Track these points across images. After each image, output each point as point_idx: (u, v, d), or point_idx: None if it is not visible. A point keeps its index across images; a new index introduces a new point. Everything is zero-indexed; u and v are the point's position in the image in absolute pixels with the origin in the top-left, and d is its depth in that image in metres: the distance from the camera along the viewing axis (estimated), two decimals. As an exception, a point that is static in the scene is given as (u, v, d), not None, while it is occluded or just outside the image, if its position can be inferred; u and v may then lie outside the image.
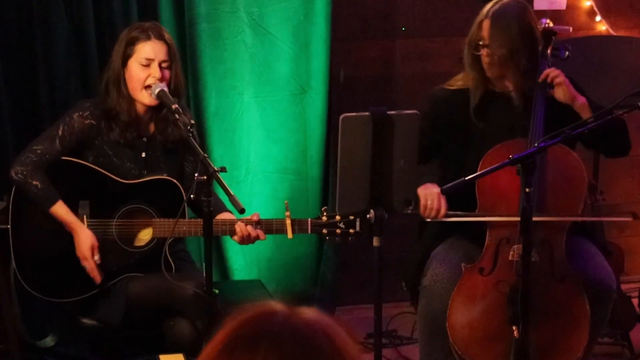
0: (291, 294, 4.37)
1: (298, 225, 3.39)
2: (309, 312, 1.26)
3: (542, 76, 3.41)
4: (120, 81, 3.41)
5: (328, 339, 1.23)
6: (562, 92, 3.41)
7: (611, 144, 3.54)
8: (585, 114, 3.38)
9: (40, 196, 3.35)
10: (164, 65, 3.39)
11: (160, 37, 3.41)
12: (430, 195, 3.35)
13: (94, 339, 3.70)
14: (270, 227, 3.39)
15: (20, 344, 3.67)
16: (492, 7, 3.42)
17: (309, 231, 3.40)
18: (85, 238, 3.36)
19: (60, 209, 3.36)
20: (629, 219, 3.49)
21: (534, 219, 3.06)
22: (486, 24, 3.40)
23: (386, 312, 3.91)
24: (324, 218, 3.39)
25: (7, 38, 3.89)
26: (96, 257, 3.36)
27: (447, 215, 3.37)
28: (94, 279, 3.38)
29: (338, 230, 3.39)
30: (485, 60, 3.43)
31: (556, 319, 3.33)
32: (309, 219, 3.40)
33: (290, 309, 1.25)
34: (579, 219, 3.46)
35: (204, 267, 3.09)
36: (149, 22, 3.54)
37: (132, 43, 3.40)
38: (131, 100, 3.42)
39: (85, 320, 3.48)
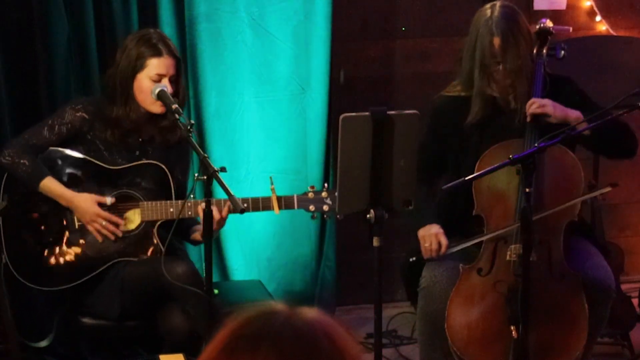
0: (291, 294, 4.38)
1: (285, 201, 3.40)
2: (310, 312, 1.26)
3: (529, 111, 3.38)
4: (128, 92, 3.43)
5: (329, 339, 1.23)
6: (551, 118, 3.39)
7: (614, 146, 3.51)
8: (581, 127, 3.37)
9: (29, 172, 3.38)
10: (172, 79, 3.43)
11: (170, 52, 3.43)
12: (428, 237, 3.40)
13: (93, 339, 3.70)
14: (256, 204, 3.40)
15: (20, 344, 3.67)
16: (493, 21, 3.36)
17: (295, 206, 3.41)
18: (85, 200, 3.39)
19: (51, 183, 3.40)
20: (608, 189, 3.44)
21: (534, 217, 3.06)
22: (497, 41, 3.35)
23: (386, 312, 3.92)
24: (310, 194, 3.42)
25: (7, 38, 3.89)
26: (109, 200, 3.39)
27: (449, 248, 3.40)
28: (116, 225, 3.39)
29: (326, 207, 3.41)
30: (500, 74, 3.39)
31: (555, 318, 3.33)
32: (295, 195, 3.41)
33: (291, 309, 1.26)
34: (567, 204, 3.42)
35: (203, 267, 3.09)
36: (153, 30, 3.53)
37: (142, 57, 3.41)
38: (139, 109, 3.45)
39: (85, 320, 3.49)
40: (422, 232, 3.43)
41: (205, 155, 3.06)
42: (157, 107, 3.41)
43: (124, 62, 3.44)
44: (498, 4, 3.44)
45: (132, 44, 3.44)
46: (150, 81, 3.40)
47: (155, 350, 3.37)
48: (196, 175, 3.04)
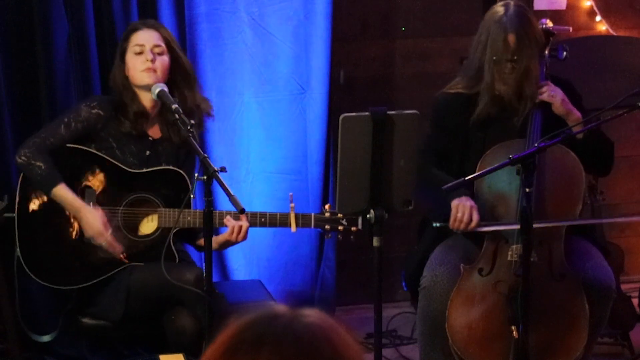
0: (291, 294, 4.38)
1: (302, 219, 3.42)
2: (312, 315, 1.25)
3: (539, 97, 3.42)
4: (122, 76, 3.49)
5: (330, 343, 1.23)
6: (555, 107, 3.43)
7: (596, 160, 3.53)
8: (577, 129, 3.38)
9: (43, 177, 3.37)
10: (156, 50, 3.46)
11: (151, 25, 3.52)
12: (462, 207, 3.33)
13: (93, 339, 3.70)
14: (274, 220, 3.42)
15: (20, 344, 3.67)
16: (507, 18, 3.35)
17: (312, 225, 3.44)
18: (93, 216, 3.37)
19: (63, 191, 3.38)
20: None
21: (535, 225, 3.06)
22: (512, 38, 3.35)
23: (386, 312, 3.92)
24: (327, 214, 3.45)
25: (7, 38, 3.89)
26: (110, 232, 3.37)
27: (478, 226, 3.35)
28: (115, 253, 3.38)
29: (340, 227, 3.43)
30: (510, 74, 3.39)
31: (555, 318, 3.33)
32: (312, 214, 3.44)
33: (293, 311, 1.25)
34: (583, 221, 3.47)
35: (203, 267, 3.09)
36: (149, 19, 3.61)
37: (126, 38, 3.51)
38: (134, 93, 3.48)
39: (86, 320, 3.49)
40: (457, 202, 3.35)
41: (205, 155, 3.06)
42: (145, 78, 3.43)
43: (119, 49, 3.54)
44: (512, 2, 3.44)
45: (123, 33, 3.58)
46: (134, 55, 3.46)
47: (156, 350, 3.37)
48: (196, 175, 3.04)
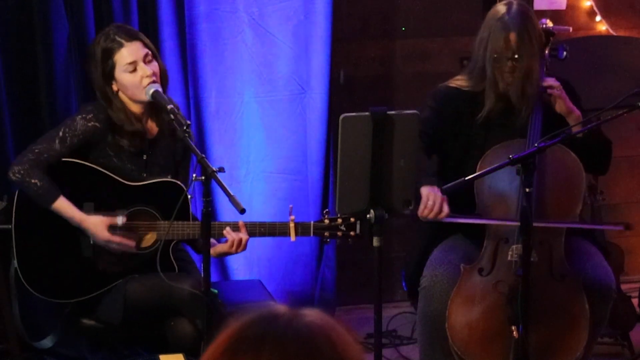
0: (291, 294, 4.38)
1: (301, 227, 3.41)
2: (313, 314, 1.26)
3: (549, 90, 3.42)
4: (110, 97, 3.40)
5: (331, 342, 1.23)
6: (558, 105, 3.43)
7: (595, 159, 3.53)
8: (577, 128, 3.38)
9: (40, 194, 3.32)
10: (147, 59, 3.38)
11: (130, 37, 3.39)
12: (433, 196, 3.28)
13: (94, 339, 3.70)
14: (273, 230, 3.41)
15: (20, 344, 3.67)
16: (509, 17, 3.35)
17: (311, 234, 3.42)
18: (96, 223, 3.33)
19: (63, 205, 3.34)
20: (620, 228, 3.51)
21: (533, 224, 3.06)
22: (513, 37, 3.34)
23: (386, 312, 3.92)
24: (326, 221, 3.41)
25: (7, 38, 3.89)
26: (120, 221, 3.34)
27: (449, 217, 3.33)
28: (129, 247, 3.36)
29: (339, 233, 3.41)
30: (511, 72, 3.38)
31: (555, 318, 3.33)
32: (312, 222, 3.41)
33: (294, 311, 1.26)
34: (574, 225, 3.45)
35: (202, 267, 3.09)
36: (109, 26, 3.51)
37: (108, 57, 3.37)
38: (126, 111, 3.41)
39: (85, 321, 3.48)
40: (428, 190, 3.30)
41: (203, 155, 3.05)
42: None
43: (95, 71, 3.41)
44: (514, 1, 3.43)
45: (95, 50, 3.41)
46: (128, 74, 3.35)
47: (156, 350, 3.37)
48: (194, 175, 3.03)
